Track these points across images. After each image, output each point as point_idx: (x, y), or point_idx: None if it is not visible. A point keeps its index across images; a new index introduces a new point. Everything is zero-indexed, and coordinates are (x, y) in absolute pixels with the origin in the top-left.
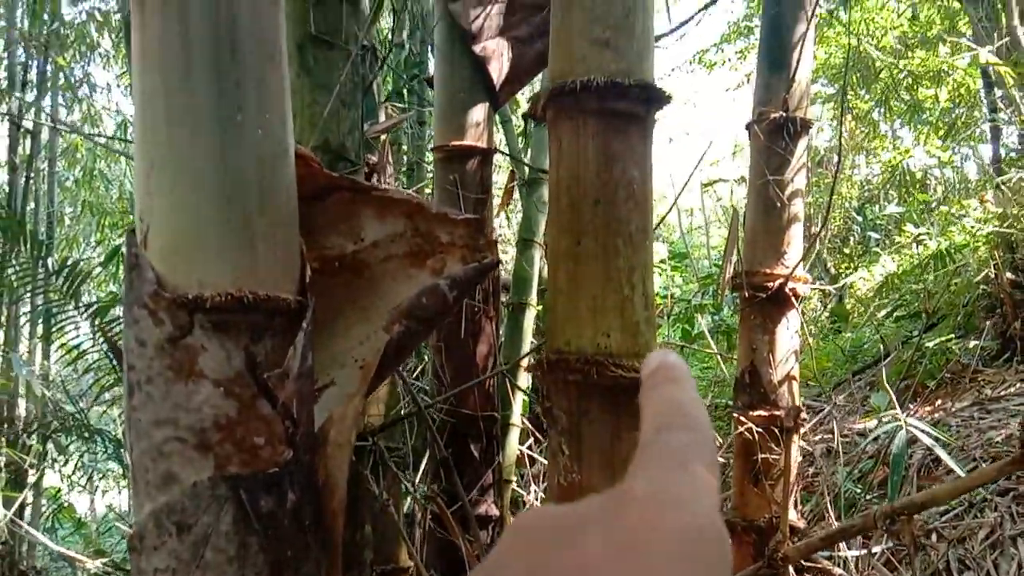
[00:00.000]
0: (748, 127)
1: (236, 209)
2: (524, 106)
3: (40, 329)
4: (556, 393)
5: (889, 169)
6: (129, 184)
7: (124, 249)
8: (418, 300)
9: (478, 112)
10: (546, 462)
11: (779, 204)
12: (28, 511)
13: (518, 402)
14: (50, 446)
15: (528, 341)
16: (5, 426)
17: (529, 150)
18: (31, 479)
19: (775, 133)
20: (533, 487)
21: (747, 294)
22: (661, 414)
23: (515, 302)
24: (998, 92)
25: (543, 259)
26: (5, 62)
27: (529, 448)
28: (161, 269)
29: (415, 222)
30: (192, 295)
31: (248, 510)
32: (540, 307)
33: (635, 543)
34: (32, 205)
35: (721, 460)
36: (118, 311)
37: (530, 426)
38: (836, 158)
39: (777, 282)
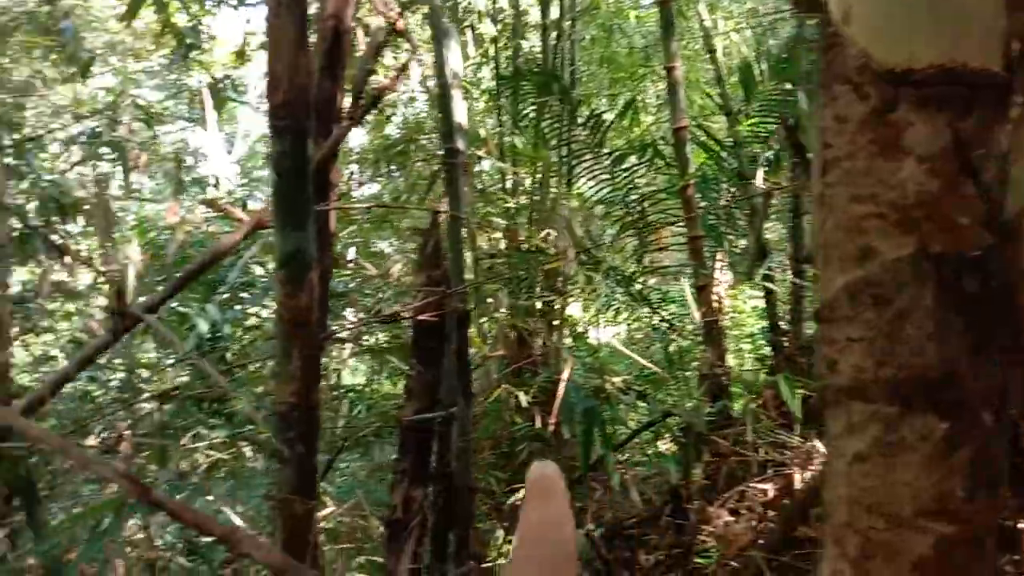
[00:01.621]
0: None
1: None
2: None
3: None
4: None
5: None
6: (640, 38)
7: (819, 30)
8: None
9: None
10: None
11: None
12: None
13: None
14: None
15: None
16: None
17: None
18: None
19: None
20: None
21: None
22: (532, 527)
23: None
24: None
25: None
26: None
27: None
28: (864, 44)
29: None
30: (899, 68)
31: (951, 289)
32: None
33: None
34: (558, 63)
35: None
36: (633, 160)
37: None
38: None
39: None
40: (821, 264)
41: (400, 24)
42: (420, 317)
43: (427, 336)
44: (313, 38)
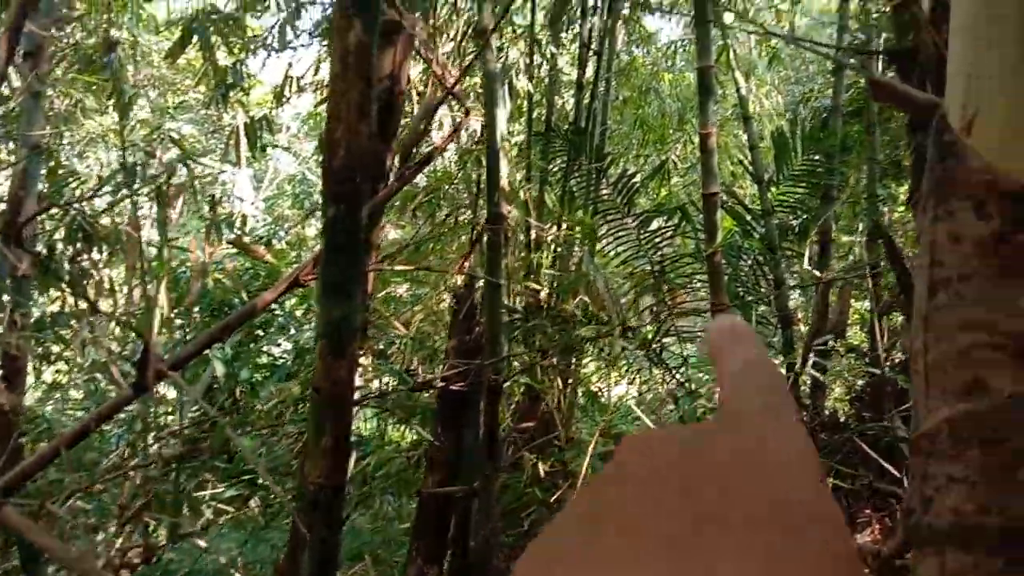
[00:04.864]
0: None
1: None
2: None
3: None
4: None
5: None
6: (672, 101)
7: (932, 138)
8: None
9: None
10: None
11: None
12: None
13: None
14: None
15: None
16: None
17: None
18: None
19: None
20: None
21: None
22: (739, 371)
23: None
24: None
25: None
26: None
27: None
28: (989, 159)
29: None
30: None
31: None
32: None
33: (760, 450)
34: (588, 123)
35: None
36: (662, 221)
37: None
38: None
39: None
40: (920, 389)
41: (451, 85)
42: (449, 386)
43: (454, 405)
44: None
